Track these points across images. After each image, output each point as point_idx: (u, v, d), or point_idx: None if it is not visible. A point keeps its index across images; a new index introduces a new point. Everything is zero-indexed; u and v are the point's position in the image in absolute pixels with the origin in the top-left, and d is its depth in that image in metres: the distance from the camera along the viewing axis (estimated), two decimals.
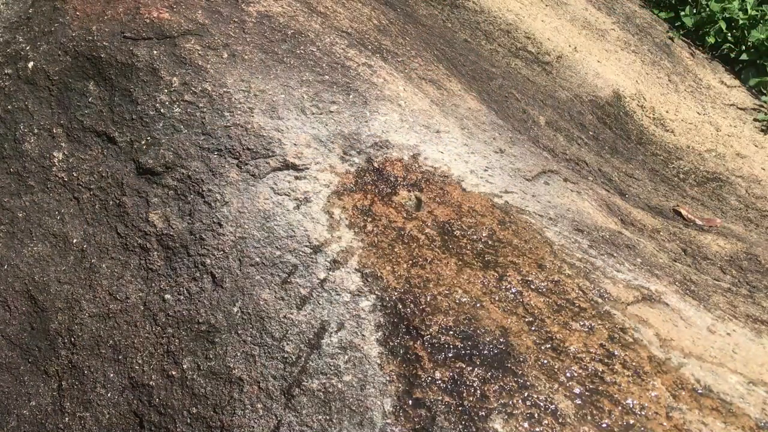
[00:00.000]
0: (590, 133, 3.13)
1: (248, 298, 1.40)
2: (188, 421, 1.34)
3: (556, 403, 1.23)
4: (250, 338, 1.36)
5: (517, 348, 1.30)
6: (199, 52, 1.77)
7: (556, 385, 1.25)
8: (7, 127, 1.78)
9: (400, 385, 1.26)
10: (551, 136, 2.74)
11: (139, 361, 1.43)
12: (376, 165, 1.61)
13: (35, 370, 1.54)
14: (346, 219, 1.49)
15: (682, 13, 4.20)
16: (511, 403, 1.22)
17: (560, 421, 1.20)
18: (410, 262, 1.43)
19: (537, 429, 1.19)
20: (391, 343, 1.31)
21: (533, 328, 1.34)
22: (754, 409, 1.25)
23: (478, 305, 1.36)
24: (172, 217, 1.55)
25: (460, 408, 1.22)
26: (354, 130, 1.69)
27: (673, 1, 4.31)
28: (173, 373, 1.39)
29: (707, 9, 4.07)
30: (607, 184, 2.42)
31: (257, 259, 1.44)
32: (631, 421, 1.21)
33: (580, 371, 1.28)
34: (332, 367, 1.29)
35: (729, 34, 4.04)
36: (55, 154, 1.72)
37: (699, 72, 3.94)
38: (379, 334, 1.32)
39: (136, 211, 1.59)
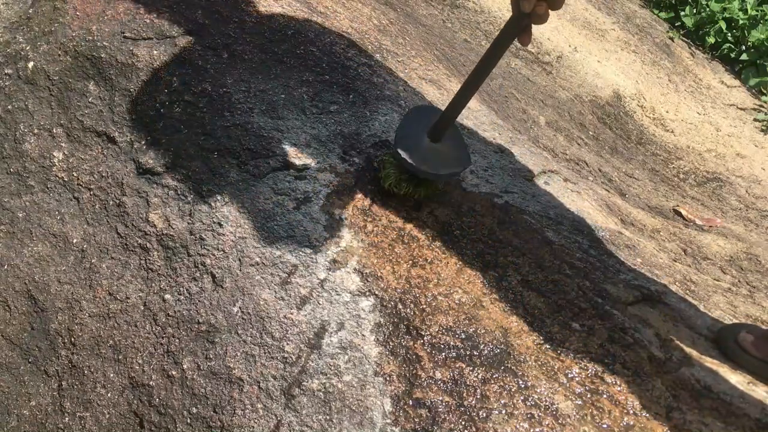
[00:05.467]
0: (590, 133, 3.13)
1: (248, 298, 1.40)
2: (188, 421, 1.34)
3: (557, 403, 1.23)
4: (250, 338, 1.36)
5: (517, 348, 1.30)
6: (199, 52, 1.77)
7: (556, 385, 1.25)
8: (7, 127, 1.78)
9: (400, 385, 1.26)
10: (551, 136, 2.74)
11: (139, 361, 1.43)
12: (376, 165, 1.61)
13: (35, 370, 1.54)
14: (346, 219, 1.49)
15: (682, 13, 4.20)
16: (511, 403, 1.22)
17: (560, 421, 1.20)
18: (410, 262, 1.43)
19: (537, 429, 1.19)
20: (391, 343, 1.31)
21: (533, 328, 1.34)
22: (754, 409, 1.25)
23: (478, 305, 1.36)
24: (172, 217, 1.55)
25: (460, 408, 1.22)
26: (354, 130, 1.69)
27: (673, 1, 4.31)
28: (173, 373, 1.39)
29: (707, 9, 4.07)
30: (607, 184, 2.42)
31: (257, 259, 1.44)
32: (631, 422, 1.21)
33: (580, 371, 1.27)
34: (332, 367, 1.29)
35: (729, 34, 4.04)
36: (55, 154, 1.72)
37: (699, 72, 3.94)
38: (380, 334, 1.32)
39: (136, 211, 1.58)
